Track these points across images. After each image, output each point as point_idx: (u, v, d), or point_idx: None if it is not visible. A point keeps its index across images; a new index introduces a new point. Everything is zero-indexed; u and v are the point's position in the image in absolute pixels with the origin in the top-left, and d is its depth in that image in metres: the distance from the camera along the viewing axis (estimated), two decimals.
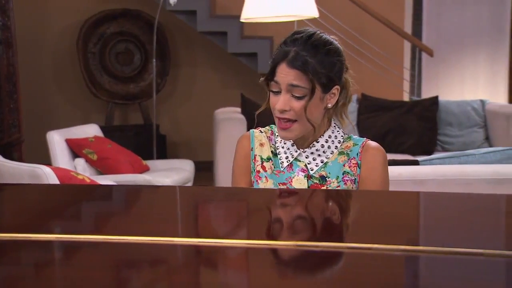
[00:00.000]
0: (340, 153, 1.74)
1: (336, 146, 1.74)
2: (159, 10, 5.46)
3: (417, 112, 4.83)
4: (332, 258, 1.02)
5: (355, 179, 1.71)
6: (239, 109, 4.98)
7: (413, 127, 4.76)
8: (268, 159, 1.77)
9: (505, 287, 0.90)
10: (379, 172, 1.71)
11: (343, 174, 1.72)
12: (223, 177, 4.65)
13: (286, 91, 1.65)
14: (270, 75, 1.67)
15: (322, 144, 1.74)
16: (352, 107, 5.01)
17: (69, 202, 1.46)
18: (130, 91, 6.51)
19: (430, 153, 4.71)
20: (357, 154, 1.73)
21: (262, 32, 6.01)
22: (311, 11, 4.80)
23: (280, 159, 1.76)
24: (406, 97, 6.44)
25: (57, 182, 3.30)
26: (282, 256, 1.04)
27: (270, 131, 1.83)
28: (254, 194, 1.59)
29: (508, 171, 2.59)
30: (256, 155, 1.79)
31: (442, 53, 6.23)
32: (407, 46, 6.47)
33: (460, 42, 6.48)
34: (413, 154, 4.71)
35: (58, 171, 3.52)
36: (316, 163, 1.73)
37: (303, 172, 1.73)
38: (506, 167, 2.61)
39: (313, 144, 1.74)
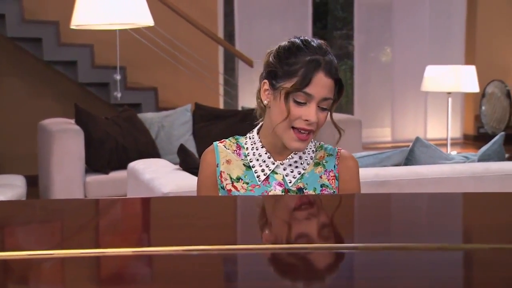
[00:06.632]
0: (316, 163, 1.73)
1: (311, 156, 1.73)
2: None
3: (251, 121, 5.01)
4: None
5: (334, 191, 1.71)
6: (71, 120, 4.73)
7: None
8: (238, 179, 1.71)
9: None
10: (356, 182, 1.75)
11: (321, 187, 1.71)
12: (60, 190, 4.42)
13: (317, 103, 1.61)
14: (304, 85, 1.60)
15: (300, 156, 1.71)
16: (187, 116, 5.04)
17: None
18: None
19: None
20: (334, 166, 1.73)
21: (82, 39, 5.77)
22: (147, 20, 4.76)
23: (255, 172, 1.71)
24: (221, 101, 6.67)
25: None
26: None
27: (235, 145, 1.75)
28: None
29: (387, 173, 2.84)
30: (222, 171, 1.71)
31: (256, 63, 6.50)
32: (221, 53, 6.75)
33: None
34: None
35: None
36: (294, 175, 1.70)
37: (280, 186, 1.69)
38: (385, 170, 2.87)
39: (291, 156, 1.70)
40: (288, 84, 1.62)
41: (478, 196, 1.82)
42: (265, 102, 1.69)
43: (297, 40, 1.66)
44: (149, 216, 1.45)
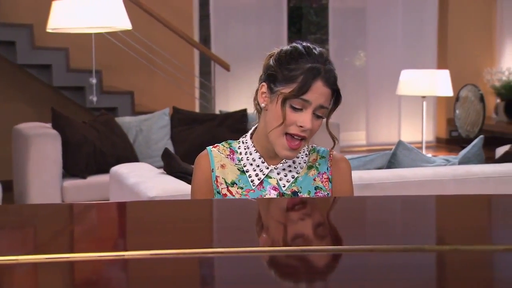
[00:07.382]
0: (309, 167, 1.73)
1: (304, 160, 1.73)
2: None
3: (229, 125, 5.02)
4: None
5: (328, 194, 1.72)
6: (47, 124, 4.67)
7: (226, 139, 4.92)
8: (233, 183, 1.70)
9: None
10: (349, 183, 1.76)
11: (315, 190, 1.71)
12: (37, 195, 4.36)
13: (313, 110, 1.61)
14: (302, 92, 1.59)
15: (294, 160, 1.71)
16: (165, 120, 5.02)
17: None
18: None
19: None
20: (327, 168, 1.74)
21: (56, 43, 5.71)
22: (124, 24, 4.73)
23: (249, 176, 1.70)
24: (197, 105, 6.67)
25: None
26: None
27: (229, 149, 1.74)
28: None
29: (370, 176, 2.86)
30: (218, 176, 1.70)
31: (231, 67, 6.52)
32: (196, 56, 6.74)
33: (246, 57, 6.87)
34: None
35: None
36: (288, 179, 1.70)
37: (275, 190, 1.69)
38: (369, 173, 2.89)
39: (285, 161, 1.70)
40: (286, 90, 1.61)
41: (453, 198, 1.84)
42: (262, 104, 1.68)
43: (300, 46, 1.65)
44: (140, 220, 1.44)
